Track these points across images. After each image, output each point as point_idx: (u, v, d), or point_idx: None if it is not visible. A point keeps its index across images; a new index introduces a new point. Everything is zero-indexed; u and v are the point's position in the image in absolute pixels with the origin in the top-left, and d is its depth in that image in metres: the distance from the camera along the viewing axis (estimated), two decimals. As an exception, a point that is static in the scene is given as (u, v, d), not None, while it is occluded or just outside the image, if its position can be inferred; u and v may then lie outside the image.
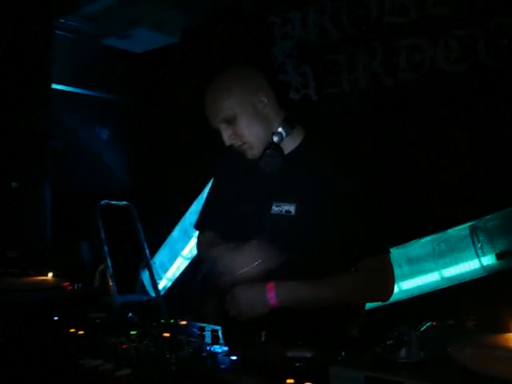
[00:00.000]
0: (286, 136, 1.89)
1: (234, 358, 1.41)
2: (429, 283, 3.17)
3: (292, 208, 1.81)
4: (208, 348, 1.50)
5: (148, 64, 4.65)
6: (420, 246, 3.21)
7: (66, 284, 2.16)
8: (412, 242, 3.22)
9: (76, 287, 2.15)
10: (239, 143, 1.90)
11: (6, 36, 3.85)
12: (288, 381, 1.20)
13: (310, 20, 3.64)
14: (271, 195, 1.88)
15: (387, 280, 1.88)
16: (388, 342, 1.05)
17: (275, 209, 1.85)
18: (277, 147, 1.86)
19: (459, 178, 3.06)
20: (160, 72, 4.66)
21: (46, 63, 4.14)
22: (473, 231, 3.03)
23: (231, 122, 1.87)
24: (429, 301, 3.09)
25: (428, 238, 3.18)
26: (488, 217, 2.99)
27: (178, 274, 4.43)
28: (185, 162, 4.27)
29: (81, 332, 1.71)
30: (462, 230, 3.07)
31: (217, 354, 1.45)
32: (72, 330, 1.72)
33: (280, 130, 1.88)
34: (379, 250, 1.86)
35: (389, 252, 1.89)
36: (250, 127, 1.86)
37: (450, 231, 3.10)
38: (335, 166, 1.85)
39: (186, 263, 4.37)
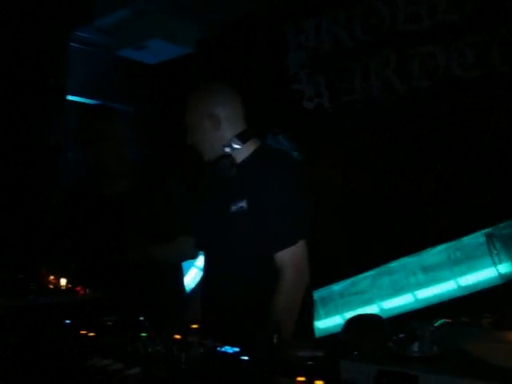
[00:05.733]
0: (239, 148, 2.19)
1: (245, 358, 1.39)
2: (445, 292, 3.13)
3: (244, 203, 2.12)
4: (219, 348, 1.48)
5: (163, 75, 4.67)
6: (435, 254, 3.18)
7: (78, 289, 2.16)
8: (427, 250, 3.18)
9: (88, 292, 2.14)
10: (193, 146, 2.25)
11: (21, 48, 3.90)
12: (299, 379, 1.19)
13: (323, 29, 3.65)
14: (229, 198, 2.17)
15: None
16: (400, 336, 1.03)
17: (233, 208, 2.15)
18: (227, 158, 2.18)
19: (474, 184, 3.02)
20: (175, 83, 4.68)
21: (61, 75, 4.18)
22: (489, 238, 2.99)
23: (192, 128, 2.21)
24: (445, 307, 3.05)
25: (443, 246, 3.14)
26: (503, 224, 2.95)
27: (193, 285, 4.41)
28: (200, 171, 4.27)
29: (91, 334, 1.70)
30: (477, 237, 3.04)
31: (228, 353, 1.43)
32: (83, 332, 1.71)
33: (231, 143, 2.19)
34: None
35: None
36: (199, 139, 2.21)
37: (466, 239, 3.07)
38: (274, 171, 2.15)
39: (201, 274, 4.34)
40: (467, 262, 3.06)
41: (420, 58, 3.23)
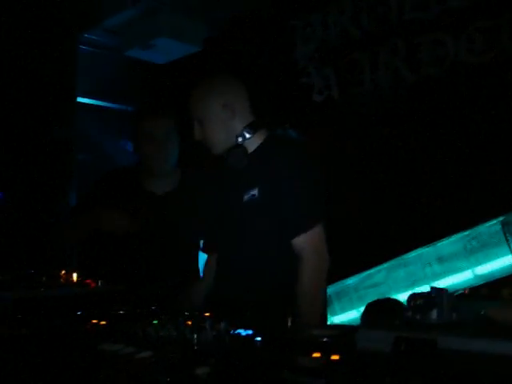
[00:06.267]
0: (250, 138, 2.20)
1: (258, 338, 1.36)
2: (461, 282, 3.07)
3: (255, 191, 2.14)
4: (232, 331, 1.45)
5: (172, 75, 4.66)
6: (450, 243, 3.12)
7: (89, 281, 2.15)
8: (442, 240, 3.13)
9: (99, 284, 2.13)
10: (203, 140, 2.25)
11: (31, 51, 3.92)
12: (314, 354, 1.15)
13: (330, 21, 3.62)
14: (241, 188, 2.18)
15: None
16: (418, 302, 1.00)
17: (245, 197, 2.16)
18: (241, 147, 2.19)
19: (488, 171, 2.97)
20: (184, 83, 4.66)
21: (71, 77, 4.20)
22: (504, 226, 2.93)
23: (200, 122, 2.21)
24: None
25: (458, 236, 3.08)
26: (520, 210, 2.90)
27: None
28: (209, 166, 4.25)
29: (103, 322, 1.68)
30: (493, 225, 2.98)
31: (241, 335, 1.40)
32: (94, 321, 1.70)
33: (244, 133, 2.20)
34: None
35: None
36: (213, 131, 2.21)
37: (481, 227, 3.01)
38: (285, 157, 2.17)
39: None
40: (483, 250, 2.99)
41: (429, 45, 3.19)
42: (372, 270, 3.41)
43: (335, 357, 1.12)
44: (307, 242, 2.08)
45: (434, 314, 0.99)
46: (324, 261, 2.12)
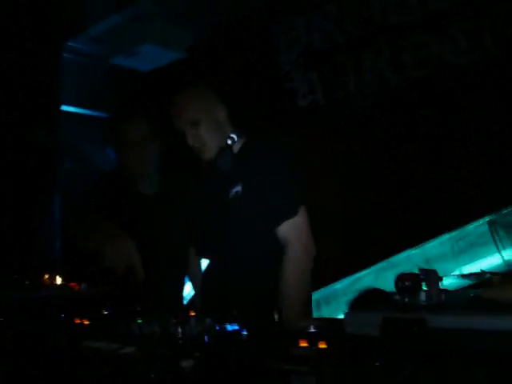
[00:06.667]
0: (237, 140, 2.25)
1: (244, 332, 1.34)
2: (450, 283, 3.06)
3: (239, 187, 2.16)
4: (218, 327, 1.42)
5: (156, 83, 4.64)
6: (438, 245, 3.12)
7: (72, 284, 2.10)
8: (429, 241, 3.12)
9: (83, 286, 2.08)
10: (198, 145, 2.22)
11: (15, 59, 3.88)
12: (301, 343, 1.13)
13: (314, 26, 3.63)
14: (226, 188, 2.20)
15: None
16: (406, 283, 0.98)
17: (230, 195, 2.18)
18: (229, 149, 2.23)
19: (474, 171, 2.98)
20: (168, 91, 4.65)
21: (55, 85, 4.16)
22: (491, 226, 2.93)
23: (195, 125, 2.18)
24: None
25: (446, 237, 3.08)
26: (506, 210, 2.90)
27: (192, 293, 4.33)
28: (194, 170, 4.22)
29: (86, 322, 1.65)
30: (480, 225, 2.98)
31: (227, 330, 1.38)
32: (77, 321, 1.66)
33: (233, 135, 2.24)
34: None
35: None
36: (210, 133, 2.21)
37: (468, 228, 3.01)
38: (264, 149, 2.23)
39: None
40: (471, 250, 3.00)
41: (412, 47, 3.20)
42: (360, 274, 3.40)
43: (322, 345, 1.10)
44: (290, 231, 2.08)
45: (423, 294, 0.97)
46: (308, 252, 2.11)
